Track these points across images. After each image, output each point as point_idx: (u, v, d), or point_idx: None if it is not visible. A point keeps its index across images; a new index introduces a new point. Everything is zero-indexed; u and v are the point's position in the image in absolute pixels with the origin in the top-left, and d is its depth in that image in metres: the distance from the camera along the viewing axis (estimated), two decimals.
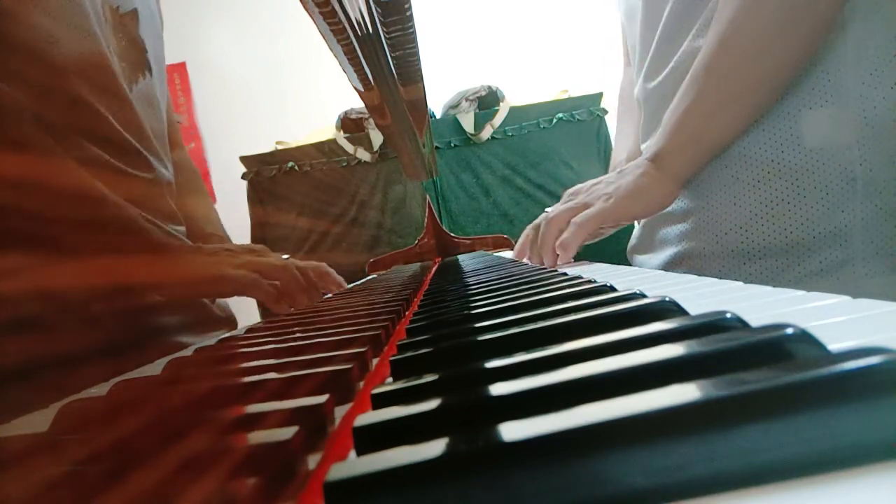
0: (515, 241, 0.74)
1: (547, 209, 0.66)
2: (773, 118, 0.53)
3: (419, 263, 1.21)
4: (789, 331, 0.15)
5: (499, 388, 0.15)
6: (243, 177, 1.62)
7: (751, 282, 0.51)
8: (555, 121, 1.57)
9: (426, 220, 1.27)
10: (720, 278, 0.32)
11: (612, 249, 0.74)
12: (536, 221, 0.66)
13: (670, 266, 0.61)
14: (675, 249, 0.60)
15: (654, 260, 0.64)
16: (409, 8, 0.38)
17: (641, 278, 0.38)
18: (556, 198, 0.70)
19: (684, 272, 0.57)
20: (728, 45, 0.52)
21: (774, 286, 0.27)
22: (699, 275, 0.48)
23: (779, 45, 0.50)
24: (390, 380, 0.22)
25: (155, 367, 0.36)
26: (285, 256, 0.64)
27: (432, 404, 0.15)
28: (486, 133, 1.57)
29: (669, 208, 0.61)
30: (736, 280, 0.30)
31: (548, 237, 0.61)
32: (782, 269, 0.54)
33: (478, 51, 2.47)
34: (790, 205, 0.53)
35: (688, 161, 0.58)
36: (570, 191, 0.67)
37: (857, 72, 0.50)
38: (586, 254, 0.69)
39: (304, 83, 2.44)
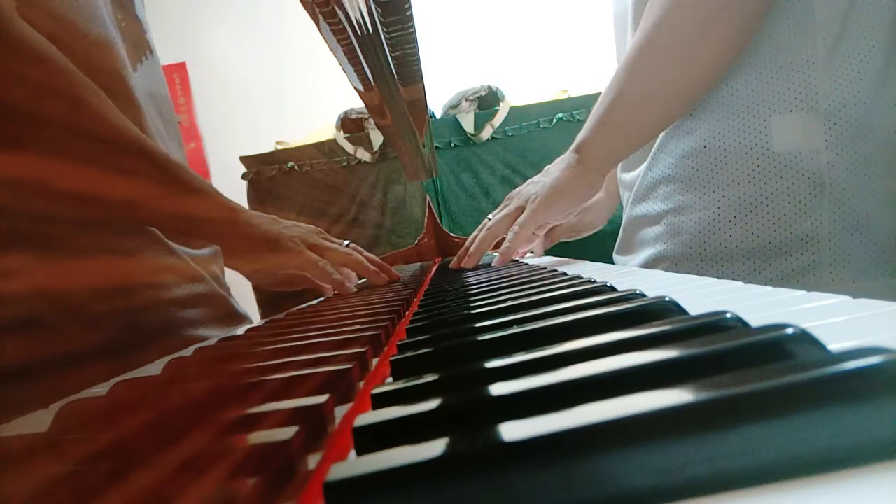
0: None
1: (489, 216, 0.69)
2: (743, 122, 0.53)
3: (419, 263, 1.21)
4: (789, 331, 0.15)
5: (499, 388, 0.15)
6: (243, 177, 1.62)
7: None
8: (555, 121, 1.57)
9: (426, 220, 1.27)
10: None
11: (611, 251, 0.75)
12: (477, 230, 0.70)
13: (647, 267, 0.62)
14: (651, 251, 0.61)
15: (633, 261, 0.65)
16: (409, 8, 0.38)
17: (641, 278, 0.38)
18: None
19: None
20: (652, 43, 0.53)
21: None
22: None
23: (699, 47, 0.52)
24: (390, 380, 0.22)
25: (155, 367, 0.36)
26: (346, 243, 0.68)
27: (432, 404, 0.15)
28: (486, 133, 1.56)
29: (644, 210, 0.62)
30: None
31: (482, 246, 0.67)
32: (751, 273, 0.54)
33: (478, 51, 2.47)
34: (759, 209, 0.53)
35: (608, 153, 0.60)
36: (508, 196, 0.70)
37: (827, 78, 0.50)
38: (579, 254, 0.70)
39: (304, 83, 2.44)
